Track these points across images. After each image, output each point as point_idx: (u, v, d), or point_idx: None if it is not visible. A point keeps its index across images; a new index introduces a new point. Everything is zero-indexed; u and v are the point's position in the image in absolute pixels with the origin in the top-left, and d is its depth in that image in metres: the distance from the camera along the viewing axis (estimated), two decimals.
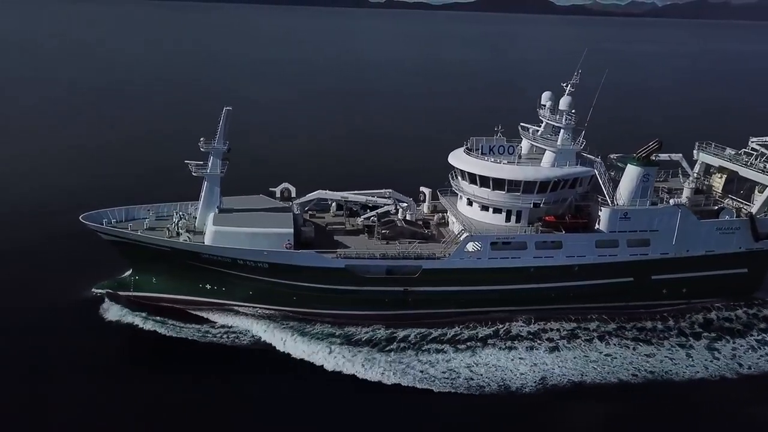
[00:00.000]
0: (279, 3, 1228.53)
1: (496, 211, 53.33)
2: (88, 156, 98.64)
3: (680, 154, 61.39)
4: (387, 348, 47.19)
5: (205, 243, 49.09)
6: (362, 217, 54.98)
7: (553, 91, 58.19)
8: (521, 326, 50.48)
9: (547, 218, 52.32)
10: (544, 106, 57.97)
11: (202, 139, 50.75)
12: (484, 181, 52.57)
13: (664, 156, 57.89)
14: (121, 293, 52.92)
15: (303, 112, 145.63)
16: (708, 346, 49.66)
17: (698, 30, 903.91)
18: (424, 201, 60.43)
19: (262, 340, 47.85)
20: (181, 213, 52.87)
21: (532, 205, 52.27)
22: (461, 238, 50.99)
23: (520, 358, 46.58)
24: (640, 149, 53.05)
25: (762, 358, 48.43)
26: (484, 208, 53.75)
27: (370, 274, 49.81)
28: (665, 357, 47.90)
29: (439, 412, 41.50)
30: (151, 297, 52.55)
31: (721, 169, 60.02)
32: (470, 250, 50.68)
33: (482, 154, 54.05)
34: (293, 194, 57.03)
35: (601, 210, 51.81)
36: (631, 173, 52.56)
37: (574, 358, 47.01)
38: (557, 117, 55.29)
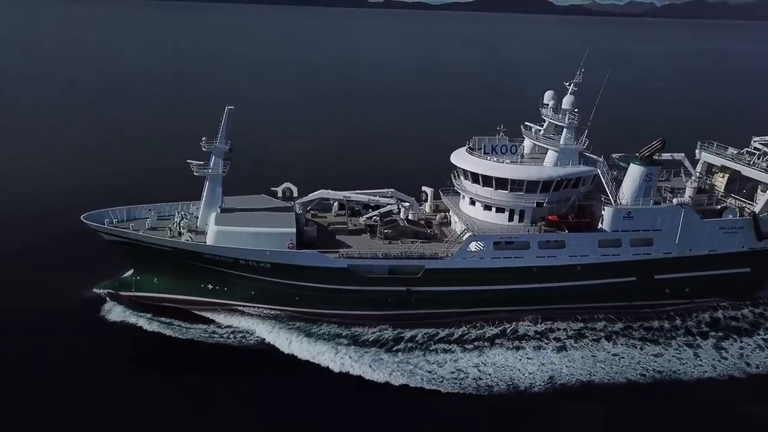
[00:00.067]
0: (279, 3, 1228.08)
1: (499, 210, 53.23)
2: (89, 156, 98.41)
3: (683, 154, 61.31)
4: (394, 348, 47.09)
5: (207, 243, 48.94)
6: (364, 216, 54.83)
7: (556, 90, 58.07)
8: (528, 326, 50.46)
9: (550, 218, 52.21)
10: (547, 105, 57.81)
11: (203, 138, 50.64)
12: (487, 181, 52.43)
13: (666, 155, 57.78)
14: (122, 293, 52.79)
15: (303, 111, 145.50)
16: (715, 345, 49.66)
17: (697, 30, 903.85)
18: (426, 200, 60.29)
19: (268, 340, 47.61)
20: (182, 213, 52.67)
21: (535, 204, 52.15)
22: (464, 238, 50.85)
23: (528, 358, 46.55)
24: (643, 148, 52.93)
25: None
26: (487, 207, 53.64)
27: (373, 274, 49.66)
28: (673, 357, 47.93)
29: (448, 412, 41.36)
30: (152, 297, 52.39)
31: (724, 169, 59.97)
32: (473, 249, 50.54)
33: (485, 153, 53.93)
34: (295, 194, 56.90)
35: (604, 209, 51.70)
36: (634, 172, 52.45)
37: (582, 357, 47.02)
38: (560, 116, 55.15)
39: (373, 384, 43.20)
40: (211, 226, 49.40)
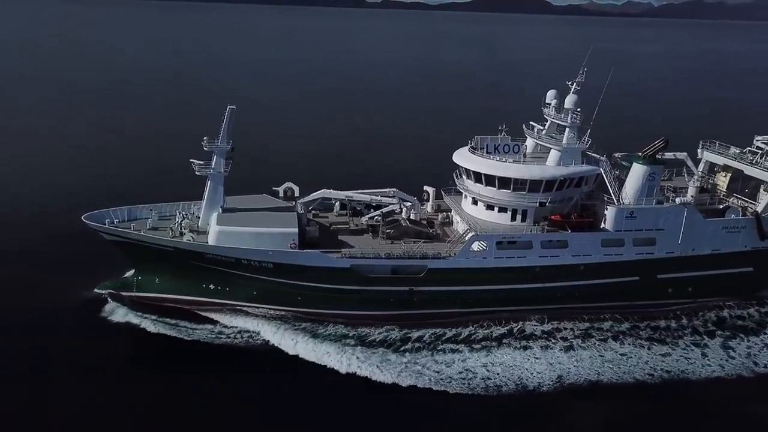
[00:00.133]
0: (279, 3, 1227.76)
1: (502, 210, 53.09)
2: (89, 156, 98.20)
3: (685, 153, 61.27)
4: (402, 348, 46.91)
5: (209, 243, 48.77)
6: (366, 216, 54.66)
7: (558, 89, 57.92)
8: (535, 325, 50.44)
9: (552, 217, 52.09)
10: (549, 104, 57.63)
11: (205, 138, 50.45)
12: (489, 180, 52.28)
13: (668, 155, 57.66)
14: (123, 293, 52.57)
15: (304, 111, 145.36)
16: (723, 344, 49.63)
17: (695, 30, 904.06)
18: (427, 200, 60.14)
19: (273, 341, 47.26)
20: (184, 213, 52.45)
21: (537, 204, 52.01)
22: (467, 238, 50.71)
23: (535, 358, 46.50)
24: (646, 148, 52.82)
25: None
26: (490, 207, 53.50)
27: (376, 273, 49.49)
28: (681, 356, 47.90)
29: (457, 413, 41.17)
30: (153, 297, 52.18)
31: (726, 168, 59.90)
32: (476, 249, 50.39)
33: (487, 152, 53.85)
34: (296, 193, 56.79)
35: (606, 209, 51.57)
36: (637, 172, 52.32)
37: (590, 357, 46.97)
38: (563, 115, 54.98)
39: (381, 385, 42.98)
40: (212, 226, 49.22)
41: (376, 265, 49.39)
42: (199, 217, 51.91)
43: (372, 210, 54.92)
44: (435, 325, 49.58)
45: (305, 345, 46.42)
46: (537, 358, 46.37)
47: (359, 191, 55.35)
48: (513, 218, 53.02)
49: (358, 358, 45.08)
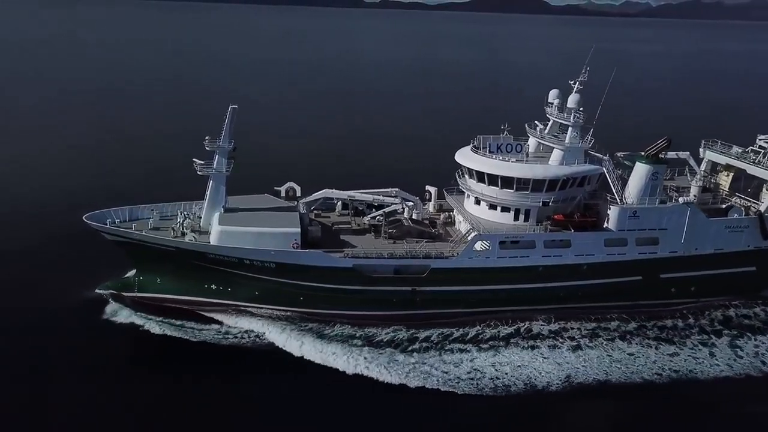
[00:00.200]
0: (279, 3, 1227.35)
1: (505, 209, 52.91)
2: (90, 156, 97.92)
3: (687, 152, 61.17)
4: (409, 349, 46.69)
5: (211, 243, 48.58)
6: (368, 216, 54.50)
7: (560, 89, 57.78)
8: (542, 325, 50.32)
9: (555, 217, 51.90)
10: (552, 104, 57.53)
11: (207, 137, 50.25)
12: (492, 180, 52.10)
13: (671, 154, 57.58)
14: (125, 294, 52.37)
15: (305, 111, 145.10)
16: (730, 344, 49.57)
17: (694, 30, 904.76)
18: (429, 200, 60.00)
19: (279, 342, 46.95)
20: (185, 213, 52.30)
21: (540, 203, 51.84)
22: (469, 238, 50.54)
23: (543, 357, 46.41)
24: (649, 147, 52.70)
25: None
26: (492, 206, 53.33)
27: (378, 273, 49.31)
28: (689, 356, 47.82)
29: (465, 413, 41.00)
30: (155, 297, 51.98)
31: (728, 167, 59.81)
32: (479, 249, 50.24)
33: (490, 152, 53.59)
34: (298, 193, 56.62)
35: (609, 208, 51.42)
36: (640, 171, 52.18)
37: (598, 357, 46.87)
38: (565, 115, 54.83)
39: (389, 386, 42.76)
40: (214, 226, 49.02)
41: (378, 265, 49.20)
42: (200, 217, 51.71)
43: (374, 210, 54.77)
44: (442, 325, 49.39)
45: (312, 346, 46.16)
46: (545, 358, 46.27)
47: (361, 191, 55.20)
48: (516, 218, 52.84)
49: (365, 358, 44.84)
